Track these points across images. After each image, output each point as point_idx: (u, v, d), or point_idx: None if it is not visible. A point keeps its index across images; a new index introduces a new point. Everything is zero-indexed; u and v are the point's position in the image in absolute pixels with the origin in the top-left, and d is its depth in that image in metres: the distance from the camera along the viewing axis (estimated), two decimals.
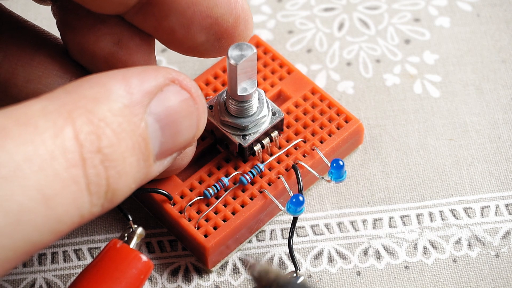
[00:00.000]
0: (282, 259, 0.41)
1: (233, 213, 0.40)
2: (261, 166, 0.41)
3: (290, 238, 0.40)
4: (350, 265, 0.41)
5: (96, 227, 0.42)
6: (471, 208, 0.42)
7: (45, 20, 0.48)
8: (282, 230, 0.42)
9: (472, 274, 0.40)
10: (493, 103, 0.45)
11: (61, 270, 0.41)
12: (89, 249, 0.41)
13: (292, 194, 0.39)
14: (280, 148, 0.42)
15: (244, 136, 0.40)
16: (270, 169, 0.41)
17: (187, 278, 0.41)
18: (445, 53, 0.47)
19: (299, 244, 0.41)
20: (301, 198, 0.39)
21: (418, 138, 0.44)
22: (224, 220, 0.40)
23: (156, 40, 0.37)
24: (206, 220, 0.40)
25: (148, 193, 0.40)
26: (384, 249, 0.41)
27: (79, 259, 0.41)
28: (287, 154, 0.41)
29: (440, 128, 0.45)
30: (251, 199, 0.40)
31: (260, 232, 0.42)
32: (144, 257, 0.37)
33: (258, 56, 0.44)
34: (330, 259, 0.41)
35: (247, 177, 0.40)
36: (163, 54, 0.47)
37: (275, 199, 0.40)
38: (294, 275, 0.39)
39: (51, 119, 0.29)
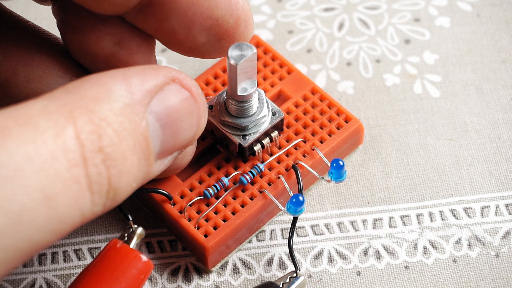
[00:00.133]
0: (282, 259, 0.41)
1: (233, 213, 0.40)
2: (261, 166, 0.41)
3: (290, 238, 0.40)
4: (350, 265, 0.41)
5: (96, 227, 0.42)
6: (471, 208, 0.42)
7: (45, 20, 0.48)
8: (282, 230, 0.42)
9: (472, 274, 0.40)
10: (493, 103, 0.45)
11: (61, 270, 0.41)
12: (89, 249, 0.41)
13: (292, 194, 0.39)
14: (280, 148, 0.42)
15: (244, 136, 0.40)
16: (270, 169, 0.41)
17: (187, 278, 0.41)
18: (445, 53, 0.47)
19: (299, 244, 0.41)
20: (301, 198, 0.39)
21: (418, 138, 0.44)
22: (224, 220, 0.40)
23: (156, 40, 0.37)
24: (206, 220, 0.40)
25: (148, 193, 0.40)
26: (384, 249, 0.41)
27: (79, 259, 0.41)
28: (287, 154, 0.41)
29: (440, 128, 0.45)
30: (251, 199, 0.40)
31: (260, 232, 0.42)
32: (144, 257, 0.37)
33: (258, 56, 0.44)
34: (330, 259, 0.41)
35: (247, 177, 0.40)
36: (163, 54, 0.47)
37: (275, 199, 0.40)
38: (294, 275, 0.39)
39: (52, 119, 0.29)
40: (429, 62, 0.47)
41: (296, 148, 0.42)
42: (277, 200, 0.40)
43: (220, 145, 0.42)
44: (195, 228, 0.40)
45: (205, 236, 0.39)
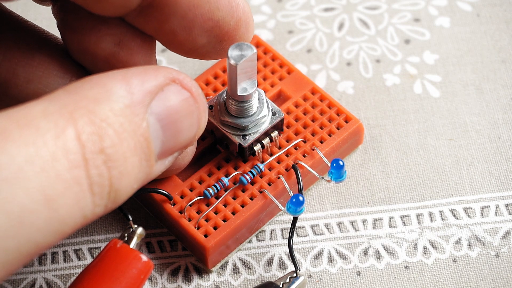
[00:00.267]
0: (282, 259, 0.41)
1: (233, 213, 0.40)
2: (261, 166, 0.41)
3: (290, 238, 0.40)
4: (350, 265, 0.41)
5: (96, 227, 0.42)
6: (471, 208, 0.42)
7: (45, 20, 0.48)
8: (282, 230, 0.42)
9: (472, 274, 0.40)
10: (493, 103, 0.45)
11: (61, 270, 0.41)
12: (89, 249, 0.41)
13: (292, 194, 0.39)
14: (280, 148, 0.42)
15: (244, 136, 0.40)
16: (270, 169, 0.41)
17: (187, 278, 0.41)
18: (445, 53, 0.47)
19: (299, 244, 0.41)
20: (301, 198, 0.39)
21: (418, 138, 0.44)
22: (224, 220, 0.40)
23: (156, 41, 0.37)
24: (206, 220, 0.40)
25: (148, 193, 0.40)
26: (384, 249, 0.41)
27: (79, 259, 0.41)
28: (287, 154, 0.41)
29: (440, 128, 0.45)
30: (251, 199, 0.40)
31: (260, 232, 0.42)
32: (144, 257, 0.36)
33: (258, 56, 0.44)
34: (330, 259, 0.41)
35: (247, 177, 0.40)
36: (163, 54, 0.47)
37: (275, 199, 0.40)
38: (294, 275, 0.39)
39: (52, 120, 0.29)
40: (429, 62, 0.47)
41: (296, 148, 0.42)
42: (277, 200, 0.40)
43: (220, 145, 0.42)
44: (195, 228, 0.40)
45: (205, 236, 0.39)
